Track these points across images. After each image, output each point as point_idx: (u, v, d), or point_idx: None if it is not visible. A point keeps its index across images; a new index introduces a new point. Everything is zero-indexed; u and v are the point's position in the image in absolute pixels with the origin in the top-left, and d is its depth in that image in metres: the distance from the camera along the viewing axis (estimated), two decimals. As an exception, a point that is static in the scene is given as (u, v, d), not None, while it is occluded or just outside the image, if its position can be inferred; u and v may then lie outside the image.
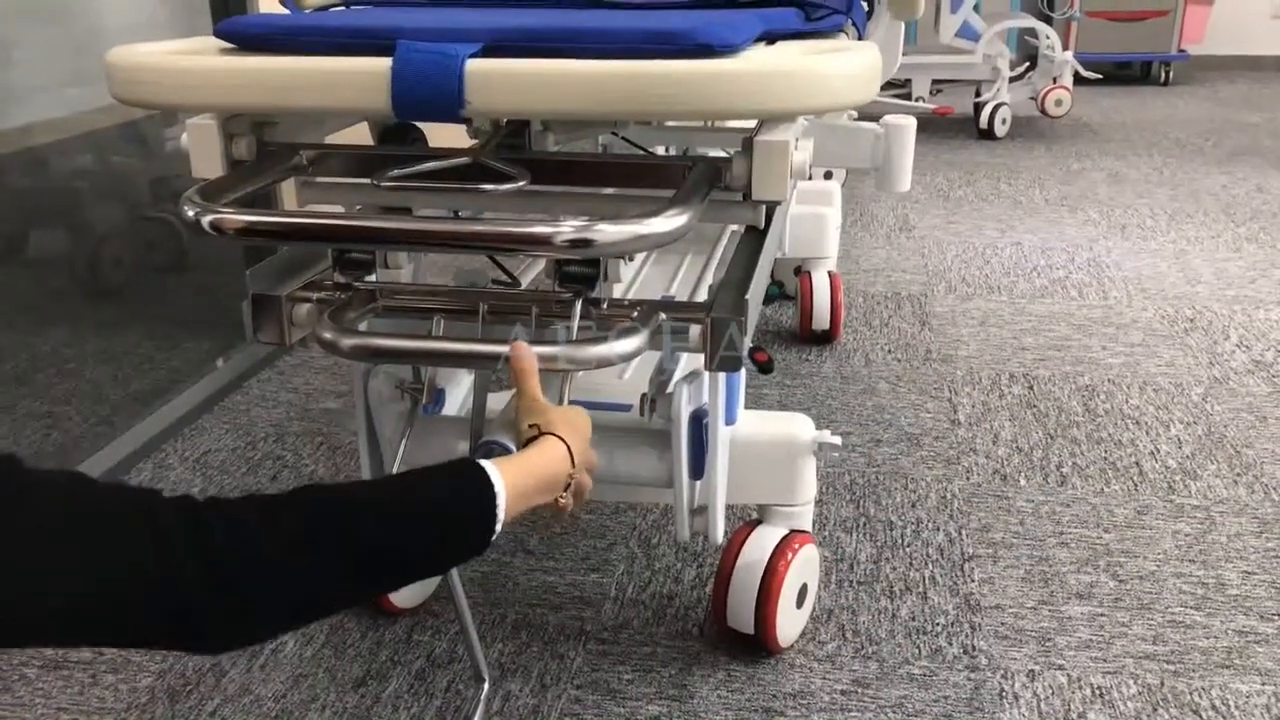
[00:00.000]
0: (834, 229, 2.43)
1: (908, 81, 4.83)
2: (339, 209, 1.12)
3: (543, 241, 0.86)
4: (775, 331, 2.53)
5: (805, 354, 2.41)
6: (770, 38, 1.10)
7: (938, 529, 1.72)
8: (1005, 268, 2.98)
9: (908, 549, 1.66)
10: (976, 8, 4.70)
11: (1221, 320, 2.57)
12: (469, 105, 0.94)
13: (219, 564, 0.68)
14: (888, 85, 4.90)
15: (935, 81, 4.91)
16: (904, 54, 4.86)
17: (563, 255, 0.89)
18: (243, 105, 1.02)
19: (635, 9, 1.22)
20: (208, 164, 1.05)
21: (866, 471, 1.89)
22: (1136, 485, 1.83)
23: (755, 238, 1.15)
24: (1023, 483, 1.85)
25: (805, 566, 1.43)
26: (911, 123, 1.85)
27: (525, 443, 0.89)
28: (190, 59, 1.01)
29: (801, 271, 2.45)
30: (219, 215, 0.90)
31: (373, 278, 1.07)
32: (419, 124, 1.31)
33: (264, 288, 1.04)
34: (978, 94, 4.88)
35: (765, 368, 2.09)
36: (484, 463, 0.82)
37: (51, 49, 1.92)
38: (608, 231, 0.87)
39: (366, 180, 1.07)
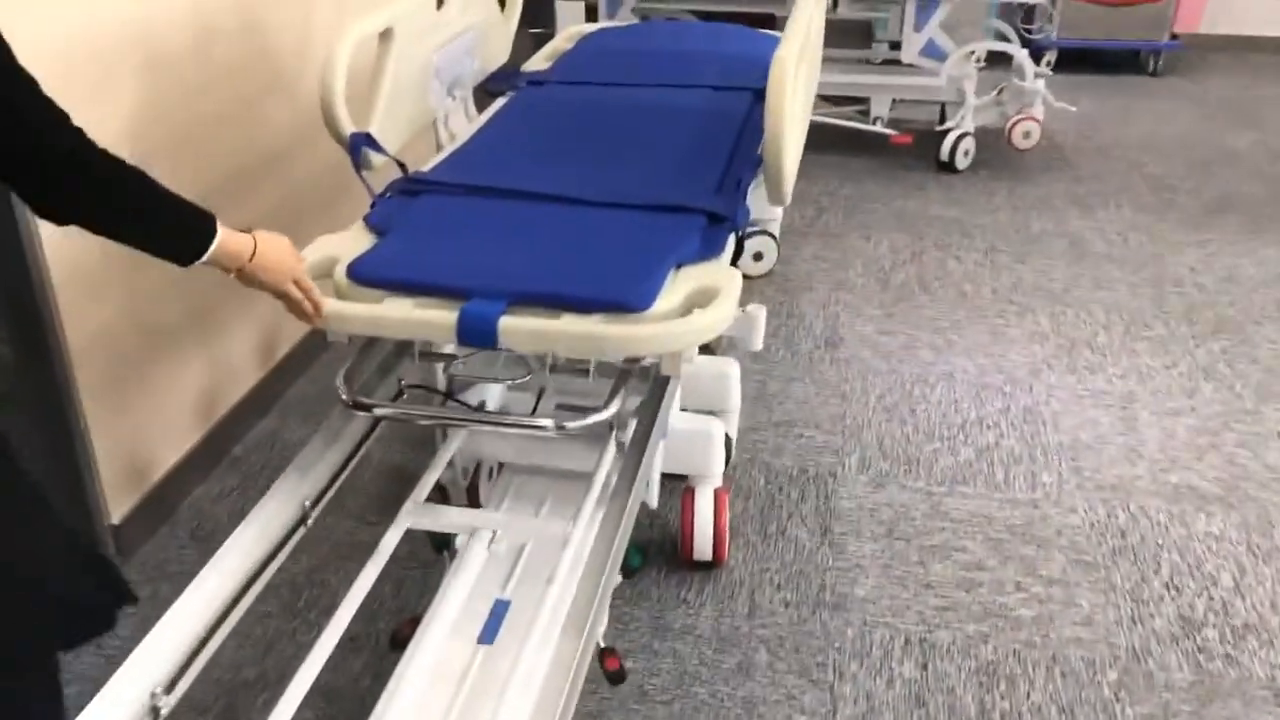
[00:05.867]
0: (719, 445, 2.13)
1: (866, 100, 4.42)
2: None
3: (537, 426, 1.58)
4: (659, 544, 2.26)
5: (684, 588, 2.15)
6: (679, 263, 1.67)
7: None
8: (930, 424, 2.69)
9: None
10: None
11: (1155, 536, 2.30)
12: (500, 342, 1.56)
13: None
14: (846, 100, 4.49)
15: (896, 101, 4.52)
16: (862, 71, 4.45)
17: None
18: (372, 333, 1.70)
19: (603, 207, 1.83)
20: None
21: (714, 836, 1.66)
22: None
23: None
24: None
25: None
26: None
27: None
28: (346, 305, 1.64)
29: (685, 488, 2.17)
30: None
31: None
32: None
33: None
34: (941, 119, 4.47)
35: (615, 677, 1.81)
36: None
37: None
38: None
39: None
